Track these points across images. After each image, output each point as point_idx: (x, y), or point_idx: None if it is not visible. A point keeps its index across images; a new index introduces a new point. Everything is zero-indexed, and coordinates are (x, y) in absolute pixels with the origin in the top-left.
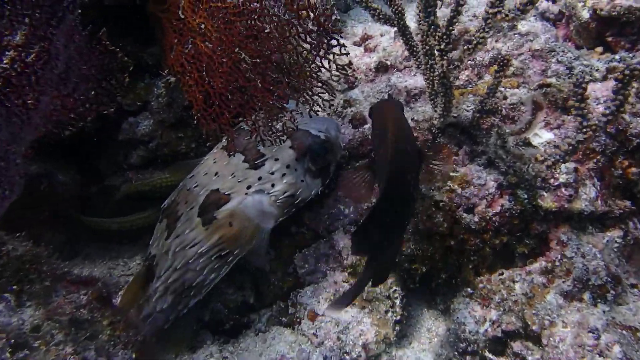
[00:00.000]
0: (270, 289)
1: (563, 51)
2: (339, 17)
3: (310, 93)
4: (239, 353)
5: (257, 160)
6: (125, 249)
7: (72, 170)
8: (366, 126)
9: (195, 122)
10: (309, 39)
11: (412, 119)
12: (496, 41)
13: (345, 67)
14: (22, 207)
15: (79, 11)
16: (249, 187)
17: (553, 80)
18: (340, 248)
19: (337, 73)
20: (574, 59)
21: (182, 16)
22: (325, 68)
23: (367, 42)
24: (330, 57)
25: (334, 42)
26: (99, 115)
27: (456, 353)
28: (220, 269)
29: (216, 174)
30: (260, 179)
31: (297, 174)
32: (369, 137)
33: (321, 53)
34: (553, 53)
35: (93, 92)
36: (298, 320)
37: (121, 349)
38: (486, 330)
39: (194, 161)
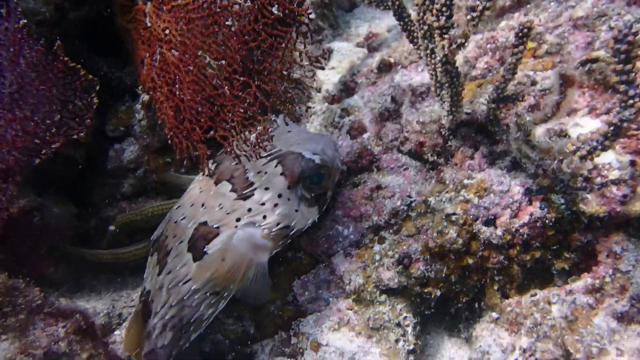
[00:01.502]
0: (270, 318)
1: (619, 14)
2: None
3: (282, 97)
4: None
5: (246, 190)
6: (130, 281)
7: (67, 203)
8: (365, 135)
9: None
10: (275, 30)
11: (417, 122)
12: (525, 14)
13: (320, 58)
14: (16, 243)
15: (24, 21)
16: (238, 220)
17: (601, 53)
18: (342, 273)
19: (311, 67)
20: (635, 22)
21: (149, 24)
22: (296, 63)
23: (370, 41)
24: (302, 48)
25: (304, 28)
26: (75, 142)
27: None
28: (217, 304)
29: (203, 204)
30: (250, 210)
31: (291, 204)
32: (369, 147)
33: (290, 44)
34: (604, 18)
35: (58, 115)
36: (301, 351)
37: None
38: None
39: (184, 177)
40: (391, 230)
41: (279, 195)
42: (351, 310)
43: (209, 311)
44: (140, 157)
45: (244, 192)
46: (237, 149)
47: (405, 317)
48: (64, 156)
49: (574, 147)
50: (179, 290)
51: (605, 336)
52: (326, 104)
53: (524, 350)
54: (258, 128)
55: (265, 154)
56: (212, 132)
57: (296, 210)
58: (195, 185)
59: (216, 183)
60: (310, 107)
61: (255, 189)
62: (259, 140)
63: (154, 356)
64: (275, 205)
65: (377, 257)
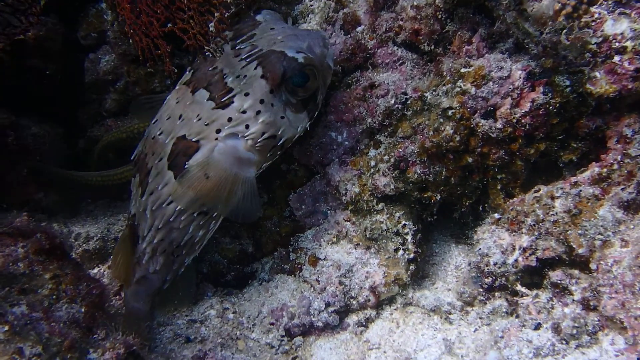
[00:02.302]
0: (268, 235)
1: None
2: None
3: None
4: (241, 303)
5: (225, 97)
6: (128, 205)
7: (47, 123)
8: (359, 28)
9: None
10: None
11: (412, 6)
12: None
13: None
14: None
15: None
16: (218, 131)
17: None
18: (337, 183)
19: None
20: None
21: None
22: None
23: None
24: None
25: None
26: (39, 50)
27: (481, 290)
28: (207, 225)
29: (180, 117)
30: (230, 120)
31: (275, 110)
32: (362, 42)
33: None
34: None
35: None
36: (299, 266)
37: (66, 303)
38: (516, 260)
39: (159, 96)
40: (386, 133)
41: (261, 101)
42: (349, 221)
43: (199, 232)
44: (118, 68)
45: (222, 100)
46: (197, 42)
47: (405, 224)
48: (34, 70)
49: (560, 4)
50: (163, 212)
51: (610, 227)
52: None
53: (524, 250)
54: (215, 14)
55: (245, 54)
56: (169, 25)
57: (282, 117)
58: (172, 95)
59: (193, 92)
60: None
61: (234, 95)
62: (219, 29)
63: (146, 282)
64: (258, 112)
65: (373, 162)
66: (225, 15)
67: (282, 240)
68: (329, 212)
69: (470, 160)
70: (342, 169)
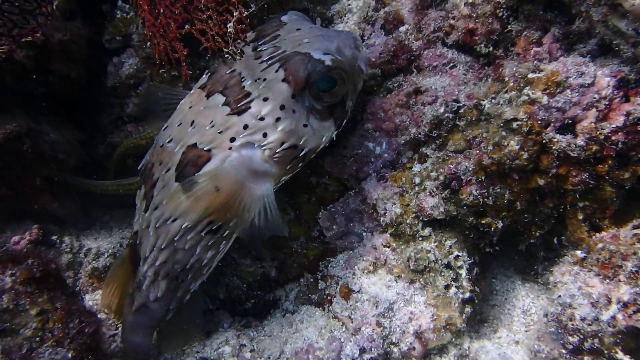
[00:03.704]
0: (294, 258)
1: None
2: None
3: None
4: (260, 339)
5: (241, 102)
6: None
7: (68, 129)
8: (402, 28)
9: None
10: None
11: (466, 3)
12: None
13: None
14: (5, 173)
15: None
16: (232, 140)
17: None
18: (374, 201)
19: None
20: None
21: None
22: None
23: None
24: None
25: None
26: (65, 57)
27: (564, 351)
28: (217, 245)
29: (192, 123)
30: (246, 127)
31: (297, 117)
32: (406, 42)
33: None
34: None
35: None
36: (329, 298)
37: (50, 347)
38: (614, 318)
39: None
40: (434, 145)
41: (282, 107)
42: (388, 247)
43: (207, 254)
44: (141, 71)
45: (238, 105)
46: (215, 43)
47: (457, 255)
48: (58, 75)
49: None
50: (167, 229)
51: None
52: None
53: (625, 305)
54: (235, 13)
55: (267, 57)
56: (187, 27)
57: (304, 125)
58: (186, 100)
59: (208, 96)
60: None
61: (252, 100)
62: (238, 30)
63: (147, 312)
64: (278, 119)
65: (417, 179)
66: (245, 15)
67: (309, 265)
68: (364, 234)
69: (542, 182)
70: (381, 185)
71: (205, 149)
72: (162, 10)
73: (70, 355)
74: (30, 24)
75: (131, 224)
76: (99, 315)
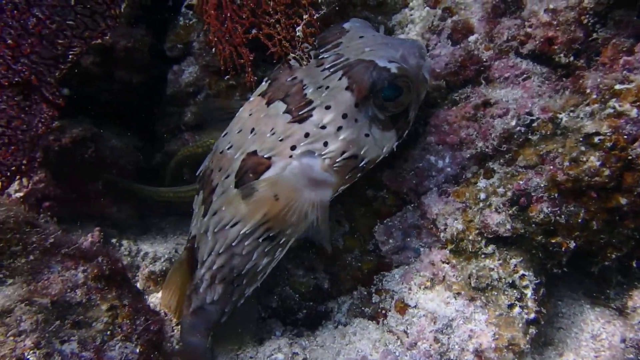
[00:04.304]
0: (348, 271)
1: None
2: None
3: None
4: (313, 349)
5: (303, 110)
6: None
7: (128, 136)
8: (471, 38)
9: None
10: None
11: (546, 10)
12: None
13: None
14: (69, 177)
15: None
16: (293, 148)
17: None
18: (435, 216)
19: None
20: None
21: None
22: None
23: None
24: None
25: None
26: (128, 62)
27: None
28: (272, 252)
29: (252, 130)
30: (307, 135)
31: (359, 127)
32: (475, 52)
33: None
34: None
35: (73, 13)
36: (383, 312)
37: (120, 342)
38: None
39: (233, 104)
40: (502, 160)
41: (344, 116)
42: (448, 263)
43: (263, 260)
44: (200, 79)
45: (300, 113)
46: (282, 48)
47: (523, 275)
48: (121, 82)
49: None
50: (226, 234)
51: None
52: (427, 8)
53: None
54: (304, 16)
55: (329, 64)
56: (254, 31)
57: (366, 135)
58: (245, 107)
59: (268, 103)
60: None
61: (313, 108)
62: (307, 34)
63: (203, 314)
64: (339, 128)
65: (482, 195)
66: (315, 17)
67: (363, 278)
68: (421, 249)
69: (623, 201)
70: (442, 199)
71: (265, 156)
72: (229, 15)
73: (138, 350)
74: (100, 27)
75: (186, 230)
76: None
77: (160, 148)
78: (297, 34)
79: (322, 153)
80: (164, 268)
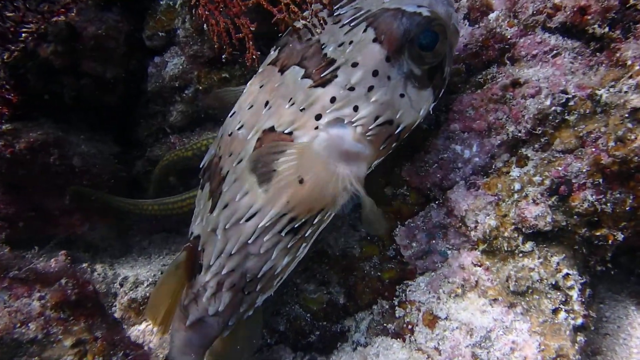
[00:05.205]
0: (366, 282)
1: None
2: None
3: None
4: None
5: (325, 72)
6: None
7: (101, 140)
8: (492, 15)
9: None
10: None
11: None
12: None
13: None
14: (29, 191)
15: None
16: (318, 118)
17: None
18: (463, 213)
19: None
20: None
21: None
22: None
23: None
24: None
25: None
26: (101, 53)
27: None
28: (295, 249)
29: (267, 104)
30: (333, 100)
31: (393, 85)
32: (498, 30)
33: None
34: None
35: None
36: (409, 327)
37: None
38: None
39: (238, 89)
40: (537, 145)
41: (374, 73)
42: (480, 266)
43: (284, 260)
44: (188, 72)
45: (322, 76)
46: (290, 14)
47: (567, 274)
48: (90, 76)
49: None
50: (240, 230)
51: None
52: None
53: None
54: None
55: (348, 19)
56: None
57: (401, 95)
58: (255, 80)
59: (282, 71)
60: None
61: (338, 67)
62: None
63: (202, 328)
64: (371, 88)
65: (517, 185)
66: None
67: (384, 289)
68: (449, 252)
69: None
70: (471, 193)
71: (286, 131)
72: None
73: None
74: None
75: (174, 250)
76: (147, 347)
77: (142, 154)
78: None
79: (353, 120)
80: (149, 294)
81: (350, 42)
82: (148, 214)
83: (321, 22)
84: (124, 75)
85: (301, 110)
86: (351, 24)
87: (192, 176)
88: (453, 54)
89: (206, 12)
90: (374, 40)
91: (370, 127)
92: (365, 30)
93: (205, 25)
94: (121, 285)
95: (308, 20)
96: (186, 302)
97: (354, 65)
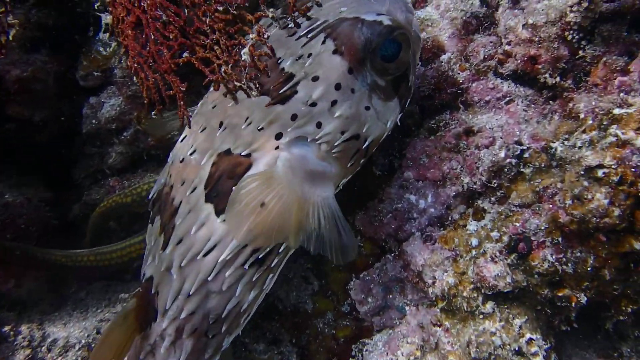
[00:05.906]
0: (320, 340)
1: None
2: None
3: None
4: None
5: (284, 87)
6: (132, 287)
7: (30, 186)
8: (444, 57)
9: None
10: None
11: (525, 25)
12: None
13: None
14: None
15: None
16: (279, 137)
17: None
18: (420, 268)
19: None
20: None
21: None
22: None
23: None
24: None
25: None
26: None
27: None
28: (262, 282)
29: (221, 125)
30: (295, 117)
31: (357, 98)
32: (450, 73)
33: None
34: None
35: None
36: None
37: None
38: None
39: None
40: (493, 198)
41: (337, 87)
42: (440, 326)
43: (250, 295)
44: (126, 113)
45: (280, 92)
46: (224, 76)
47: (530, 339)
48: (16, 121)
49: None
50: (198, 266)
51: None
52: None
53: None
54: (250, 35)
55: (303, 31)
56: (185, 55)
57: (367, 108)
58: (205, 100)
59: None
60: None
61: (297, 82)
62: (256, 56)
63: None
64: (334, 102)
65: (474, 241)
66: (266, 36)
67: (339, 349)
68: (407, 308)
69: (637, 246)
70: (427, 247)
71: (243, 153)
72: (151, 36)
73: None
74: None
75: (115, 299)
76: None
77: (79, 197)
78: (242, 58)
79: (317, 137)
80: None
81: (309, 55)
82: (84, 266)
83: (257, 87)
84: (57, 115)
85: (259, 129)
86: (308, 36)
87: (134, 220)
88: (417, 61)
89: (135, 65)
90: (334, 52)
91: (335, 144)
92: (324, 42)
93: (134, 77)
94: (49, 349)
95: (242, 84)
96: (142, 356)
97: (315, 79)
